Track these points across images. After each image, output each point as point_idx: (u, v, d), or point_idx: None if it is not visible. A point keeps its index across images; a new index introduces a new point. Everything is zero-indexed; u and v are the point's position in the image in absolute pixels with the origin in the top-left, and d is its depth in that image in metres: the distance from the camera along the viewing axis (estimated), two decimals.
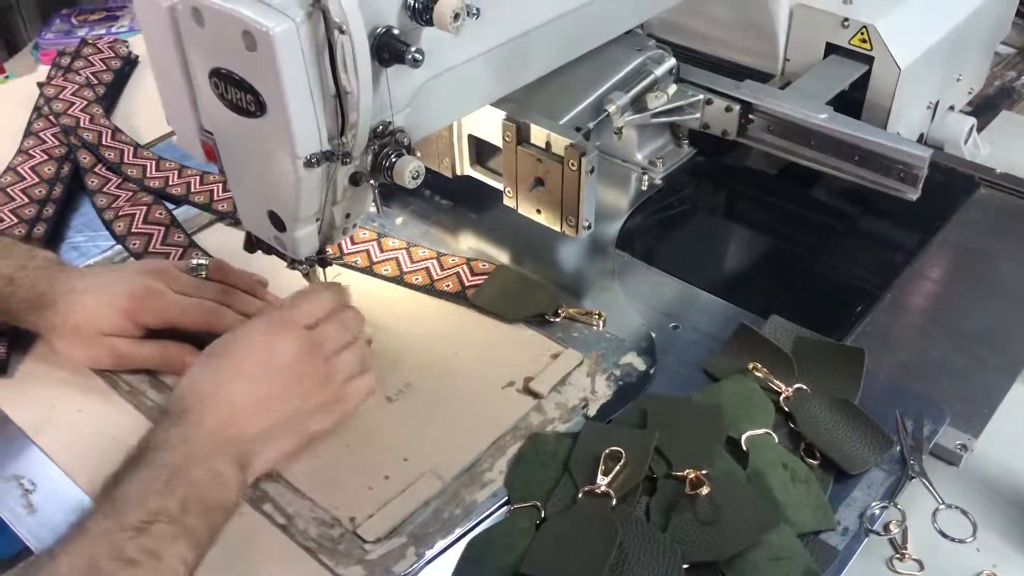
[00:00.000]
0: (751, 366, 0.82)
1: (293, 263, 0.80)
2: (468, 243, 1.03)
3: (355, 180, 0.73)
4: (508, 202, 0.96)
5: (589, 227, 0.91)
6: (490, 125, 0.92)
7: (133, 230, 1.01)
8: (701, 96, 1.03)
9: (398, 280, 0.95)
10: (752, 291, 0.97)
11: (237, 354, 0.74)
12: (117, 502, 0.62)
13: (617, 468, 0.73)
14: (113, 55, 1.29)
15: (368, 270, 0.97)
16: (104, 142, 1.12)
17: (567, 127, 0.91)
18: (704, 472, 0.72)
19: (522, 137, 0.90)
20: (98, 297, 0.83)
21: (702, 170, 1.12)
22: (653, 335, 0.88)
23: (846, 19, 1.10)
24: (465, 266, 0.96)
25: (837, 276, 1.02)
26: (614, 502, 0.72)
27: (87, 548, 0.60)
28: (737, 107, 1.02)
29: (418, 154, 0.75)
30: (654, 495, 0.73)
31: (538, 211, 0.93)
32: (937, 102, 1.24)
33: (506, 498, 0.75)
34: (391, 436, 0.79)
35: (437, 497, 0.74)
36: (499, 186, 0.96)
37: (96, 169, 1.10)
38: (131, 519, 0.61)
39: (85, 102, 1.18)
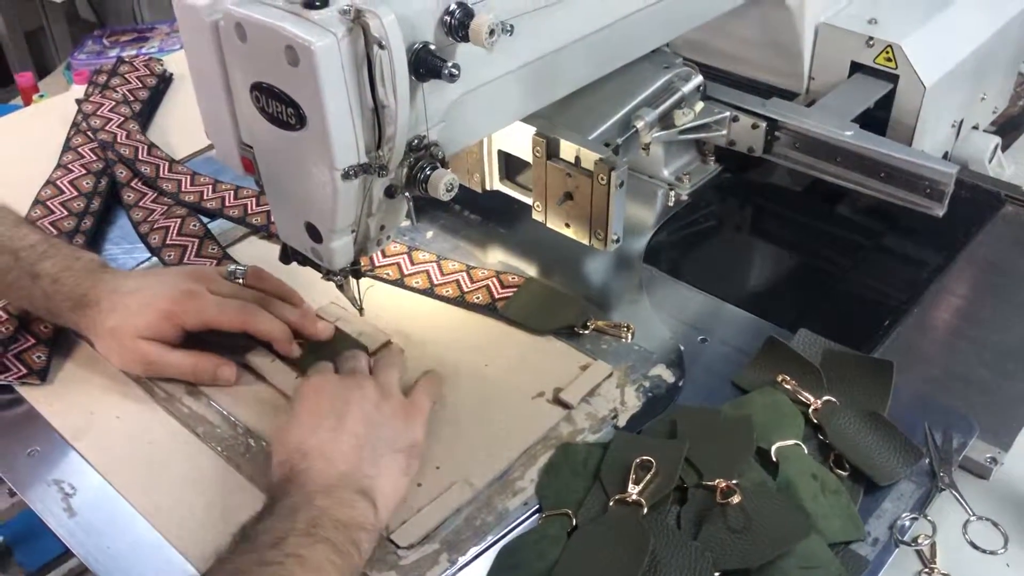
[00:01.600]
0: (780, 378, 0.82)
1: (328, 274, 0.81)
2: (497, 257, 1.04)
3: (390, 192, 0.75)
4: (537, 216, 0.97)
5: (618, 241, 0.92)
6: (520, 140, 0.93)
7: (168, 242, 1.03)
8: (728, 113, 1.04)
9: (429, 292, 0.97)
10: (779, 305, 0.97)
11: (317, 410, 0.76)
12: (246, 541, 0.65)
13: (648, 477, 0.74)
14: (149, 73, 1.32)
15: (399, 282, 0.98)
16: (140, 157, 1.14)
17: (596, 142, 0.92)
18: (735, 482, 0.73)
19: (552, 152, 0.91)
20: (139, 299, 0.85)
21: (728, 186, 1.13)
22: (681, 347, 0.89)
23: (871, 38, 1.12)
24: (495, 279, 0.97)
25: (864, 291, 1.03)
26: (645, 510, 0.72)
27: (225, 566, 0.63)
28: (763, 124, 1.03)
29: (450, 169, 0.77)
30: (685, 504, 0.74)
31: (567, 225, 0.94)
32: (962, 121, 1.25)
33: (537, 506, 0.75)
34: (424, 445, 0.80)
35: (469, 504, 0.75)
36: (528, 201, 0.97)
37: (132, 183, 1.12)
38: (264, 542, 0.63)
39: (122, 118, 1.21)
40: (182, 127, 1.23)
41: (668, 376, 0.86)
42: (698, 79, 1.01)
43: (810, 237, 1.12)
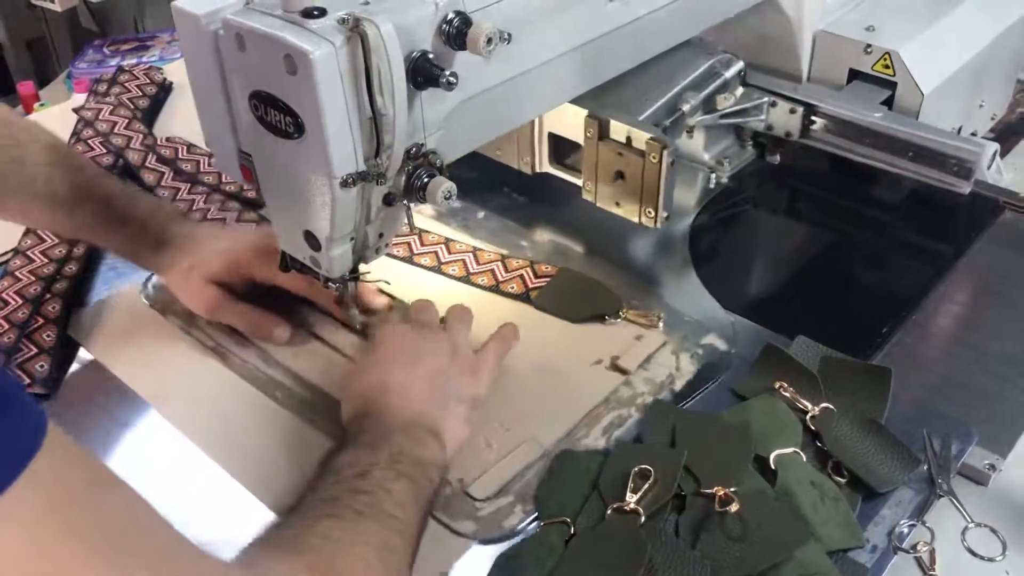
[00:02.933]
0: (778, 385, 0.83)
1: (327, 282, 0.81)
2: (544, 237, 1.08)
3: (388, 200, 0.75)
4: (587, 196, 0.99)
5: (668, 217, 0.95)
6: (571, 123, 0.96)
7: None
8: (766, 99, 1.08)
9: (465, 280, 1.00)
10: (779, 312, 0.98)
11: (395, 353, 0.82)
12: (332, 472, 0.69)
13: (646, 486, 0.74)
14: (149, 81, 1.33)
15: (437, 269, 1.02)
16: (159, 143, 1.20)
17: (646, 123, 0.95)
18: (733, 490, 0.73)
19: (603, 133, 0.94)
20: (216, 245, 0.92)
21: (764, 173, 1.15)
22: (732, 321, 0.93)
23: (869, 45, 1.12)
24: (529, 268, 1.00)
25: (863, 298, 1.03)
26: (643, 519, 0.72)
27: (319, 494, 0.67)
28: (800, 109, 1.07)
29: (449, 176, 0.77)
30: (683, 512, 0.74)
31: (617, 204, 0.97)
32: (960, 127, 1.25)
33: (535, 514, 0.76)
34: (491, 408, 0.84)
35: (539, 461, 0.80)
36: (577, 182, 1.00)
37: (148, 163, 1.16)
38: (351, 473, 0.68)
39: (127, 120, 1.22)
40: (182, 135, 1.23)
41: (721, 344, 0.90)
42: (739, 64, 1.05)
43: (810, 244, 1.12)
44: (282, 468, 0.80)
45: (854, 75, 1.15)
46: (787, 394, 0.82)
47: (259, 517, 0.76)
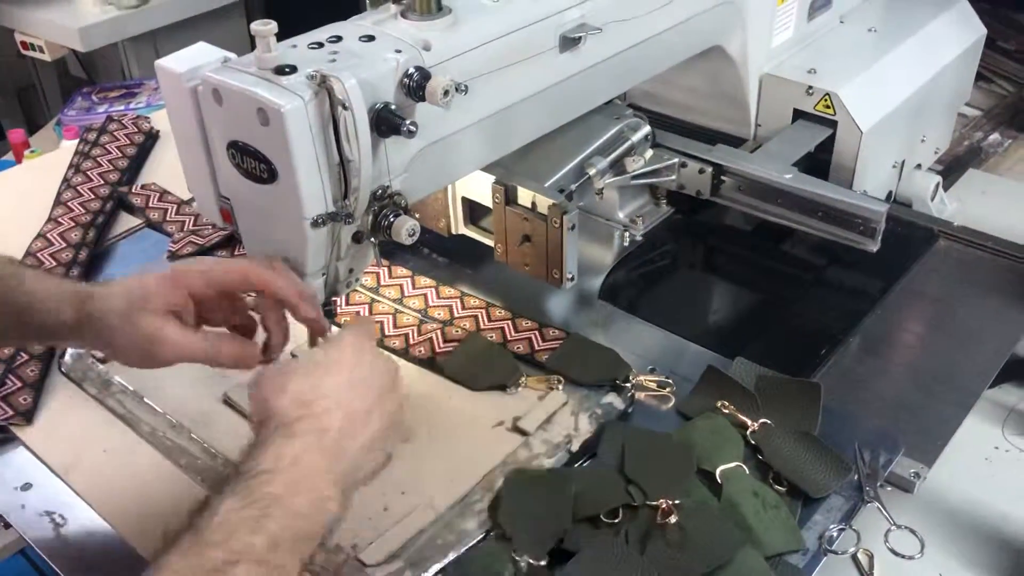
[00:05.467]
0: (720, 404, 0.89)
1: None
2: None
3: (357, 238, 0.82)
4: (499, 258, 1.04)
5: (572, 279, 0.99)
6: (482, 188, 1.01)
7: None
8: (676, 159, 1.12)
9: (379, 343, 1.01)
10: (727, 337, 1.04)
11: (341, 365, 0.72)
12: (201, 536, 0.59)
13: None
14: (136, 130, 1.39)
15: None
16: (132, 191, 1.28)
17: (551, 189, 1.00)
18: (676, 502, 0.79)
19: (510, 198, 0.99)
20: (135, 279, 0.78)
21: (680, 227, 1.20)
22: (631, 377, 0.95)
23: (810, 87, 1.20)
24: (439, 331, 1.02)
25: (806, 322, 1.10)
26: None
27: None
28: (709, 169, 1.11)
29: (416, 216, 0.83)
30: (633, 522, 0.80)
31: (526, 265, 1.01)
32: (903, 161, 1.33)
33: (490, 526, 0.81)
34: (390, 471, 0.85)
35: (432, 525, 0.81)
36: (490, 243, 1.05)
37: (135, 189, 1.28)
38: (213, 558, 0.58)
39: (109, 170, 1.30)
40: (168, 180, 1.29)
41: (618, 403, 0.92)
42: (646, 129, 1.09)
43: (756, 273, 1.19)
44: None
45: (798, 114, 1.23)
46: (728, 411, 0.88)
47: None
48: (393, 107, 0.77)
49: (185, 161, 0.84)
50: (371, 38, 0.79)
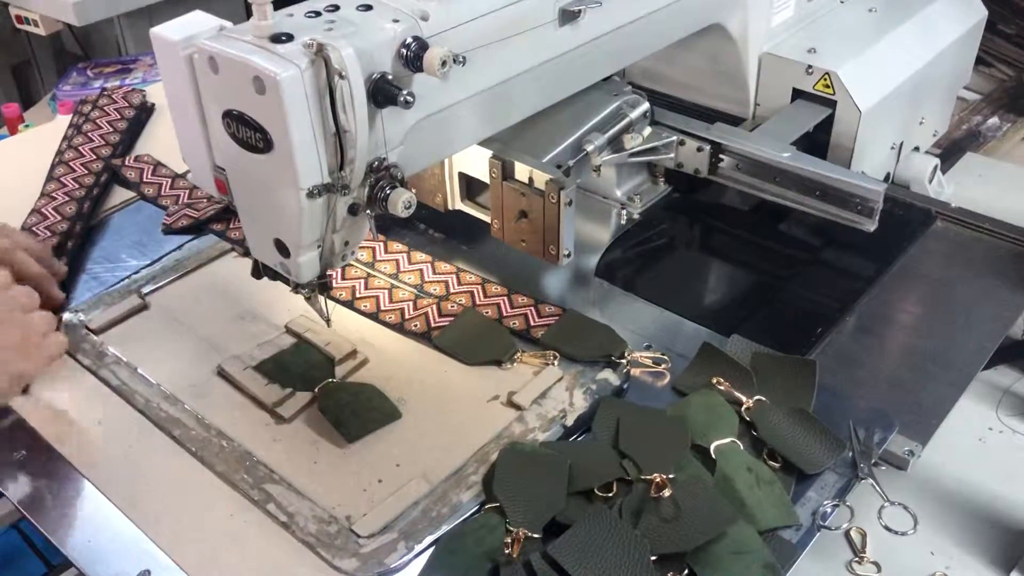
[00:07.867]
0: (715, 380, 0.89)
1: (296, 287, 0.87)
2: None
3: (353, 210, 0.81)
4: (495, 234, 1.03)
5: (569, 256, 0.98)
6: (479, 163, 1.00)
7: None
8: (675, 137, 1.11)
9: (374, 317, 1.02)
10: (723, 316, 1.04)
11: None
12: None
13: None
14: (128, 104, 1.38)
15: (350, 304, 1.04)
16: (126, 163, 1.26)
17: (549, 164, 0.99)
18: (670, 476, 0.79)
19: (507, 173, 0.98)
20: None
21: (677, 206, 1.20)
22: (627, 354, 0.95)
23: (810, 66, 1.19)
24: (435, 306, 1.02)
25: (802, 302, 1.10)
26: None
27: None
28: (708, 147, 1.10)
29: (412, 190, 0.83)
30: (627, 496, 0.80)
31: (522, 241, 1.01)
32: (901, 143, 1.32)
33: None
34: (385, 444, 0.87)
35: (426, 498, 0.81)
36: (487, 219, 1.04)
37: (128, 162, 1.27)
38: None
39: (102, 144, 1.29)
40: (162, 153, 1.29)
41: (614, 379, 0.92)
42: (644, 106, 1.08)
43: (754, 252, 1.19)
44: (170, 506, 0.81)
45: (797, 94, 1.22)
46: (723, 388, 0.88)
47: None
48: (390, 77, 0.76)
49: (180, 131, 0.84)
50: (368, 7, 0.78)
